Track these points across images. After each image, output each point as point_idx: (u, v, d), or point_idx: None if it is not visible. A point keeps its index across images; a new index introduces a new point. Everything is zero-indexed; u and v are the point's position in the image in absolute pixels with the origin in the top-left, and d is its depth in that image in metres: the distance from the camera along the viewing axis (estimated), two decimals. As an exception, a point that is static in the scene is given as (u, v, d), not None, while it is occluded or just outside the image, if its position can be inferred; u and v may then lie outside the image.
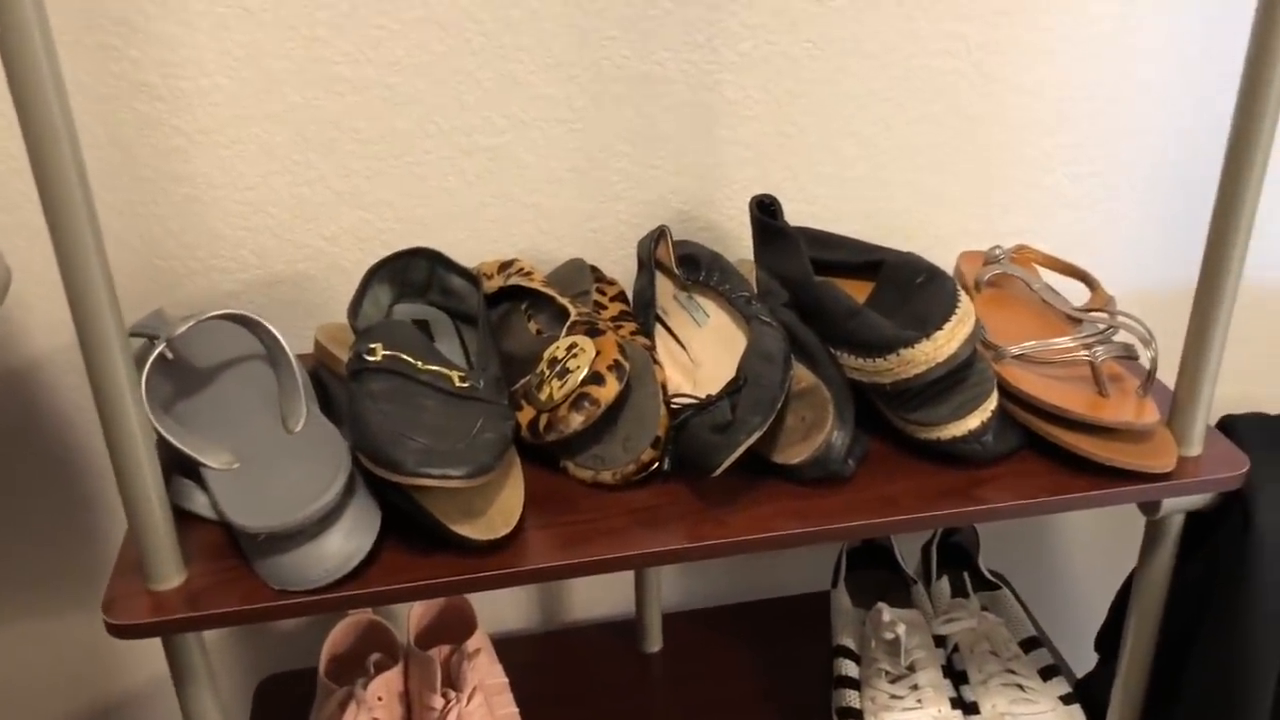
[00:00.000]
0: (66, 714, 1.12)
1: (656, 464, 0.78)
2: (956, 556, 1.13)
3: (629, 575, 1.13)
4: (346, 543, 0.70)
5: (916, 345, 0.74)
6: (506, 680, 1.01)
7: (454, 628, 1.03)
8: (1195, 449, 0.80)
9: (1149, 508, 0.81)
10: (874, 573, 1.13)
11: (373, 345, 0.74)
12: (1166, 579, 0.85)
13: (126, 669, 1.11)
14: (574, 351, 0.78)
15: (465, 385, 0.76)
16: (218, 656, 1.12)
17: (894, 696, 0.96)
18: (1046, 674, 0.99)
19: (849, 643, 1.04)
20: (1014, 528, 1.22)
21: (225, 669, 1.13)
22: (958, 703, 0.98)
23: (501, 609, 1.15)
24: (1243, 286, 1.14)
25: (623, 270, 1.02)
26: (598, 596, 1.17)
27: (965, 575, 1.09)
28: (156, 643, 1.08)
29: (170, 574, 0.70)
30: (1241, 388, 1.22)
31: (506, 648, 1.07)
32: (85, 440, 1.00)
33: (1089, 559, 1.27)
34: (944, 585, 1.07)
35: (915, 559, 1.15)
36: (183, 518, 0.73)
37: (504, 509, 0.73)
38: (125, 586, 0.70)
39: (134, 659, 1.11)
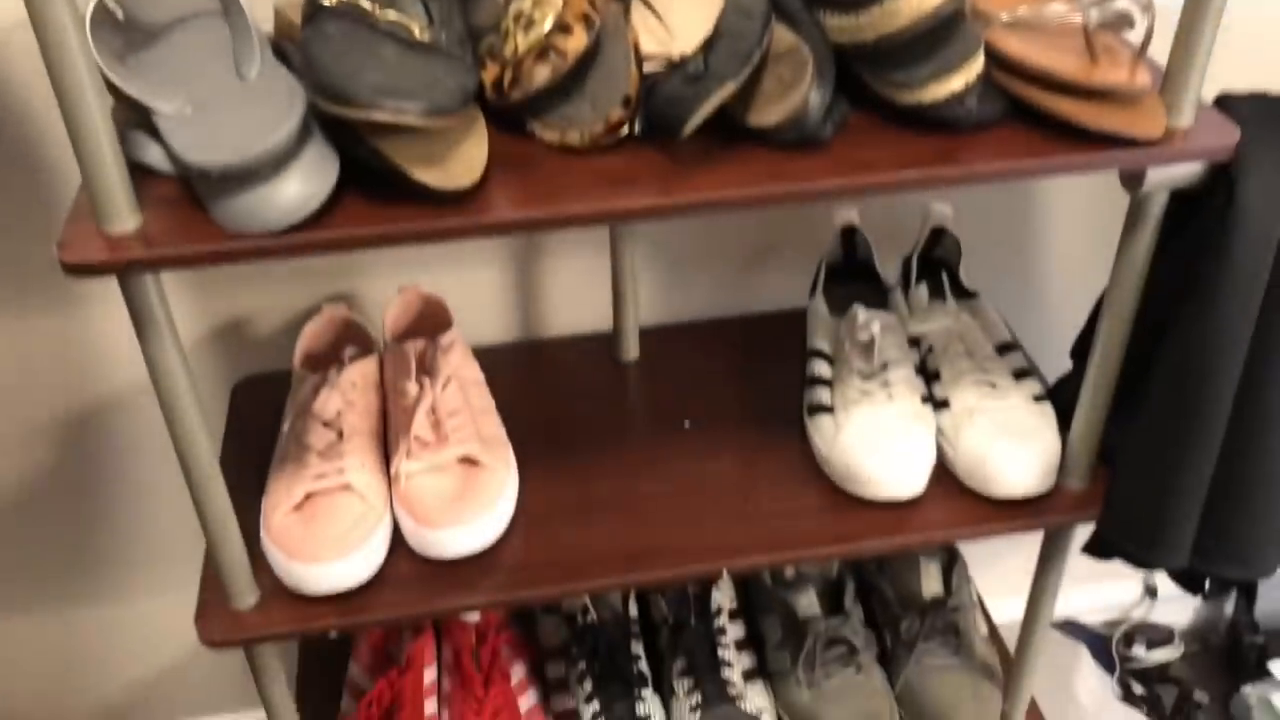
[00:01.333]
0: (45, 418, 1.13)
1: (626, 125, 0.75)
2: (937, 270, 1.11)
3: (605, 286, 1.12)
4: (304, 186, 0.68)
5: (901, -7, 0.71)
6: (482, 375, 1.02)
7: (429, 325, 1.03)
8: (1185, 119, 0.77)
9: (1132, 181, 0.78)
10: (853, 285, 1.11)
11: (327, -19, 0.70)
12: (1145, 264, 0.84)
13: (103, 374, 1.12)
14: (540, 2, 0.74)
15: (426, 37, 0.73)
16: (192, 362, 1.12)
17: (864, 393, 0.97)
18: (1019, 375, 1.00)
19: (823, 346, 1.03)
20: (996, 244, 1.20)
21: (201, 373, 1.13)
22: (928, 399, 0.99)
23: (477, 316, 1.14)
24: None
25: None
26: (574, 309, 1.16)
27: (944, 278, 1.08)
28: (130, 349, 1.07)
29: (124, 217, 0.68)
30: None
31: (481, 357, 1.06)
32: (53, 131, 0.97)
33: (1070, 281, 1.26)
34: (922, 290, 1.06)
35: (896, 275, 1.14)
36: (139, 175, 0.70)
37: (466, 160, 0.71)
38: (79, 230, 0.68)
39: (108, 364, 1.11)
